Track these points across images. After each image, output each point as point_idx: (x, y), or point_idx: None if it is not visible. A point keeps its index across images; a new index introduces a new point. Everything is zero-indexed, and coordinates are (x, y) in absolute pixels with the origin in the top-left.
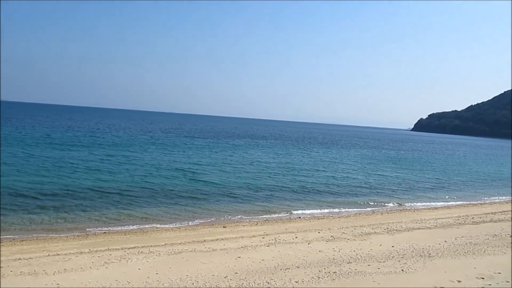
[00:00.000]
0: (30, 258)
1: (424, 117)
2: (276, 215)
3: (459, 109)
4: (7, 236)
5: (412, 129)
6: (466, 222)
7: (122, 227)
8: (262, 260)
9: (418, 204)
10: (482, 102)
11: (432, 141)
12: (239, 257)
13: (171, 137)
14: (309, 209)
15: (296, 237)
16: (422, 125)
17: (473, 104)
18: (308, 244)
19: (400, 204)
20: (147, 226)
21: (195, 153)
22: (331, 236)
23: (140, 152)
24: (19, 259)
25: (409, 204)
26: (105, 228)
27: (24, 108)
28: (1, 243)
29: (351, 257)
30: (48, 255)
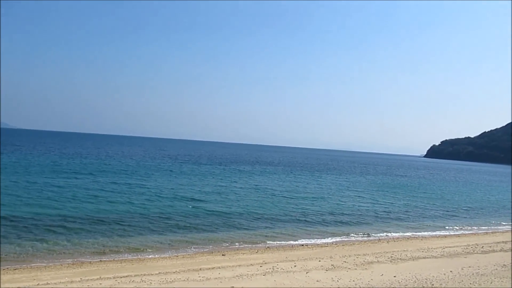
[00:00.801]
0: (18, 287)
1: (437, 143)
2: (277, 243)
3: (472, 136)
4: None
5: (425, 156)
6: (475, 251)
7: (119, 256)
8: None
9: (426, 232)
10: (496, 129)
11: (444, 167)
12: (233, 287)
13: (178, 163)
14: (312, 237)
15: (295, 266)
16: (435, 152)
17: (486, 131)
18: (307, 273)
19: (407, 232)
20: (144, 254)
21: (200, 180)
22: (332, 265)
23: (144, 179)
24: None
25: (417, 232)
26: (100, 257)
27: (37, 135)
28: None
29: (349, 287)
30: (38, 284)
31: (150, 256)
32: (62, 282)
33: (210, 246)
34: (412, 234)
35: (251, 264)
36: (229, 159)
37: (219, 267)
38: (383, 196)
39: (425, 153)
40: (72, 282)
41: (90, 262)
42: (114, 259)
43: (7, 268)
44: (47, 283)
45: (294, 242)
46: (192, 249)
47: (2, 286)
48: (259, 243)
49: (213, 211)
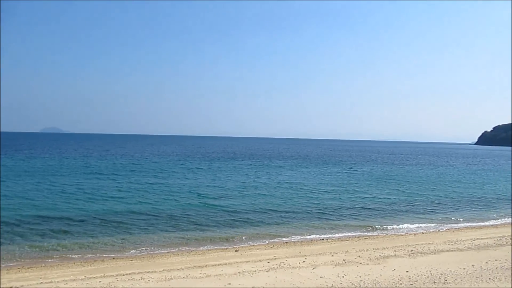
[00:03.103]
0: (22, 286)
1: (489, 129)
2: (295, 238)
3: None
4: (12, 264)
5: (476, 143)
6: (508, 243)
7: (132, 252)
8: (252, 287)
9: (459, 224)
10: None
11: (493, 155)
12: (229, 284)
13: (210, 160)
14: (334, 231)
15: (304, 261)
16: (486, 138)
17: None
18: (313, 268)
19: (438, 224)
20: (156, 251)
21: (223, 176)
22: (343, 260)
23: (166, 177)
24: None
25: (449, 224)
26: (115, 254)
27: (85, 138)
28: (5, 271)
29: (352, 283)
30: (41, 283)
31: (161, 252)
32: (65, 281)
33: (226, 243)
34: (443, 226)
35: (260, 260)
36: (249, 154)
37: (225, 264)
38: (416, 188)
39: (476, 140)
40: (74, 280)
41: (103, 260)
42: (126, 257)
43: (23, 266)
44: (51, 281)
45: (312, 236)
46: (207, 246)
47: (7, 285)
48: (276, 238)
49: (232, 208)
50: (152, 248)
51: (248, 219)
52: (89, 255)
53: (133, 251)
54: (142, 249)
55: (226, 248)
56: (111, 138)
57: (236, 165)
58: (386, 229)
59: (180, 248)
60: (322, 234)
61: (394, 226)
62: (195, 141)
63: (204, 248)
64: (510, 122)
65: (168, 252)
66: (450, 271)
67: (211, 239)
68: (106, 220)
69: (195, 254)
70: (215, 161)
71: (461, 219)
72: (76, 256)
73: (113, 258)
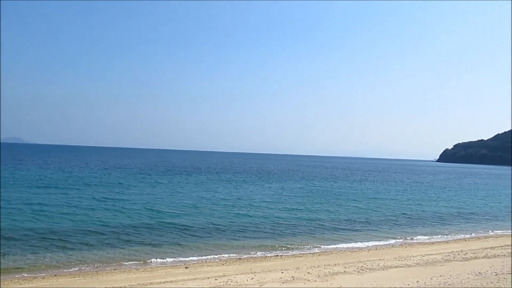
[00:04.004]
0: None
1: (450, 147)
2: (252, 255)
3: (485, 138)
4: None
5: (438, 160)
6: (455, 259)
7: (75, 269)
8: None
9: (413, 239)
10: (510, 130)
11: (453, 171)
12: None
13: (172, 174)
14: (291, 246)
15: (252, 278)
16: (447, 156)
17: (500, 133)
18: (260, 286)
19: (393, 240)
20: (101, 267)
21: (182, 191)
22: (292, 277)
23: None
24: None
25: (404, 239)
26: (56, 271)
27: (48, 150)
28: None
29: None
30: None
31: (106, 269)
32: None
33: (177, 260)
34: (396, 242)
35: (208, 278)
36: (224, 168)
37: (172, 281)
38: (373, 204)
39: (438, 157)
40: None
41: (43, 277)
42: (69, 273)
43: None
44: None
45: (266, 253)
46: (156, 262)
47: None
48: (231, 253)
49: (186, 224)
50: (97, 264)
51: (201, 235)
52: (26, 275)
53: (76, 268)
54: (86, 266)
55: (177, 265)
56: (74, 150)
57: (198, 179)
58: (340, 245)
59: (126, 264)
60: (276, 250)
61: (348, 243)
62: (161, 154)
63: (152, 265)
64: (469, 140)
65: (114, 269)
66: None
67: (162, 256)
68: (49, 236)
69: (143, 271)
70: (177, 175)
71: (415, 235)
72: (14, 275)
73: (55, 275)
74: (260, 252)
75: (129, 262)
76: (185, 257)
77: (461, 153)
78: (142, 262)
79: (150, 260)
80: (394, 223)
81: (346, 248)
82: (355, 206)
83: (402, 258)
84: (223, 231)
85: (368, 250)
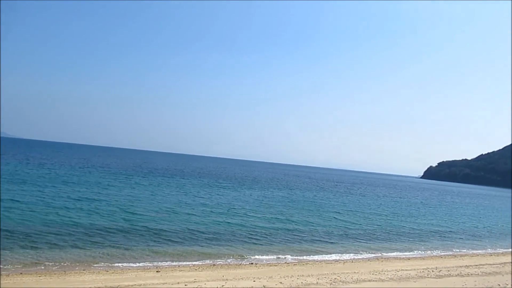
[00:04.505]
0: None
1: (434, 164)
2: (225, 261)
3: (469, 158)
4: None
5: (422, 177)
6: (429, 276)
7: (41, 267)
8: None
9: (391, 254)
10: (493, 152)
11: (441, 189)
12: None
13: (154, 176)
14: (267, 255)
15: (223, 286)
16: (431, 173)
17: (483, 153)
18: None
19: (371, 253)
20: (69, 267)
21: (161, 194)
22: (263, 286)
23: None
24: None
25: (381, 253)
26: (21, 269)
27: (40, 145)
28: None
29: None
30: None
31: (75, 270)
32: None
33: (148, 263)
34: (372, 255)
35: (178, 283)
36: (208, 173)
37: (141, 285)
38: (353, 217)
39: (422, 174)
40: None
41: (7, 275)
42: (35, 272)
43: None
44: None
45: (240, 260)
46: (127, 264)
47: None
48: (206, 259)
49: (161, 227)
50: (65, 264)
51: (176, 240)
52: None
53: (42, 267)
54: (53, 265)
55: (148, 269)
56: (58, 146)
57: (179, 183)
58: (316, 256)
59: (95, 266)
60: (251, 258)
61: (324, 255)
62: (147, 155)
63: (122, 267)
64: (453, 159)
65: (83, 270)
66: None
67: (133, 259)
68: (17, 234)
69: (112, 273)
70: (159, 177)
71: (392, 250)
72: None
73: (20, 273)
74: (234, 260)
75: (99, 264)
76: (157, 261)
77: (445, 171)
78: (112, 264)
79: (120, 263)
80: (372, 237)
81: (322, 259)
82: (335, 218)
83: (376, 272)
84: (198, 236)
85: (344, 262)
